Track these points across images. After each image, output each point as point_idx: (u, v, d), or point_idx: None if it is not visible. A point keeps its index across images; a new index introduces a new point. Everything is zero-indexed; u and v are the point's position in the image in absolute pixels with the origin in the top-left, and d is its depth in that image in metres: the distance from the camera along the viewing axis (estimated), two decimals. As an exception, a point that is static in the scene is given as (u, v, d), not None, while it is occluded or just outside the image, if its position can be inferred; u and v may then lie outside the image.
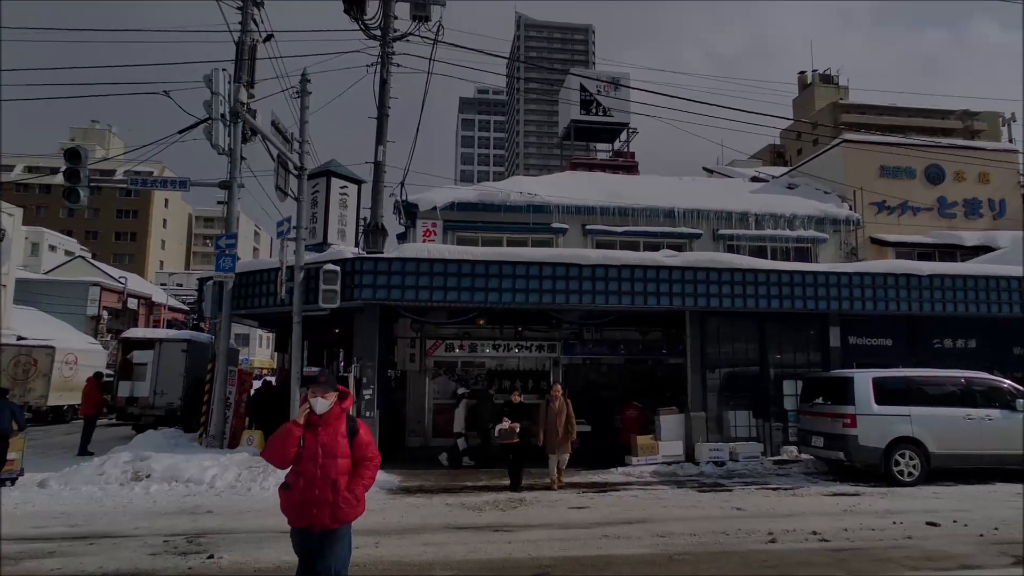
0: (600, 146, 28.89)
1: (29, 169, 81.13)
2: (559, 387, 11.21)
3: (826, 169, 21.03)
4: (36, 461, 12.57)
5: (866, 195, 19.25)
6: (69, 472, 10.70)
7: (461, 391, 14.06)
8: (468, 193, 18.22)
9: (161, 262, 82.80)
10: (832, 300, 13.33)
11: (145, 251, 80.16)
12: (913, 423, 10.74)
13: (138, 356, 19.10)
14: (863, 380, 11.02)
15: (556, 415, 10.70)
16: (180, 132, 14.48)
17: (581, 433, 14.81)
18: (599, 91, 25.55)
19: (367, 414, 12.32)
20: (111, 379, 19.81)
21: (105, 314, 43.78)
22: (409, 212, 17.23)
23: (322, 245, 14.12)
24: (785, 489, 10.52)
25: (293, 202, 12.88)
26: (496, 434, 10.92)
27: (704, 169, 29.90)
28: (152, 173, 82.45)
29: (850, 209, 19.33)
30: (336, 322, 15.85)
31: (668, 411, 13.38)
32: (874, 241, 18.85)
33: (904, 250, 18.00)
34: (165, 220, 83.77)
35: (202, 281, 15.19)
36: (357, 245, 14.40)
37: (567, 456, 10.97)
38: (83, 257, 52.63)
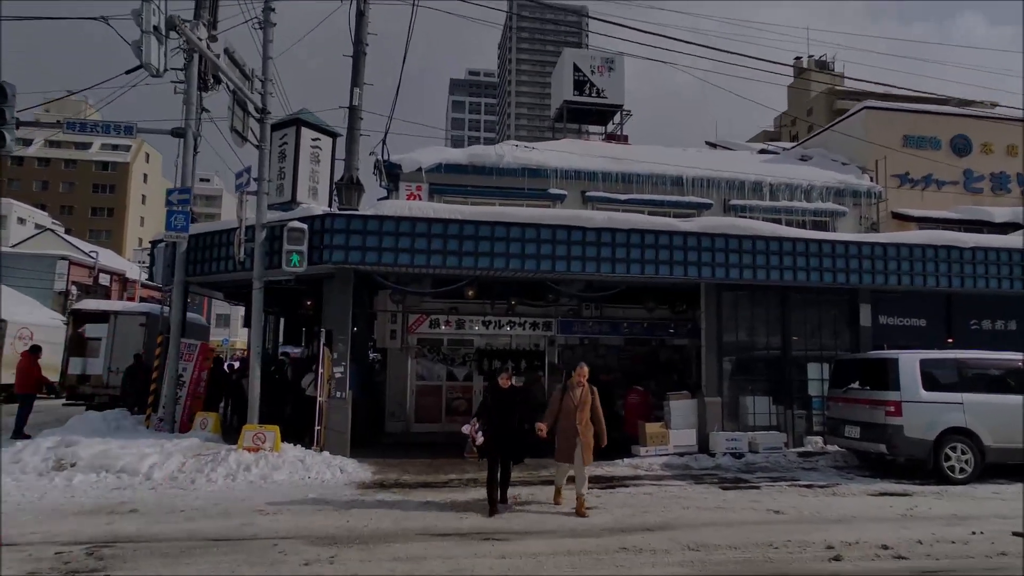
0: (593, 129, 27.55)
1: None
2: (584, 369, 7.86)
3: (843, 140, 19.53)
4: (-45, 445, 10.90)
5: (889, 166, 17.78)
6: (-20, 459, 9.02)
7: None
8: (457, 154, 16.53)
9: (140, 239, 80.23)
10: (864, 273, 11.86)
11: (122, 227, 77.51)
12: (966, 412, 9.33)
13: (91, 330, 17.33)
14: (909, 363, 9.58)
15: (577, 408, 7.60)
16: (128, 72, 12.67)
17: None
18: (593, 71, 24.03)
19: (338, 394, 10.72)
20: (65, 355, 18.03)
21: (74, 290, 41.60)
22: (391, 173, 15.53)
23: (290, 204, 12.42)
24: (820, 487, 9.08)
25: (255, 151, 11.14)
26: (471, 441, 7.97)
27: (707, 143, 28.32)
28: (130, 148, 79.57)
29: (871, 181, 17.86)
30: (312, 294, 14.20)
31: (679, 396, 11.91)
32: (896, 216, 17.43)
33: (928, 225, 16.55)
34: (144, 196, 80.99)
35: (154, 244, 13.45)
36: (331, 205, 12.70)
37: (587, 470, 7.71)
38: (52, 230, 50.20)
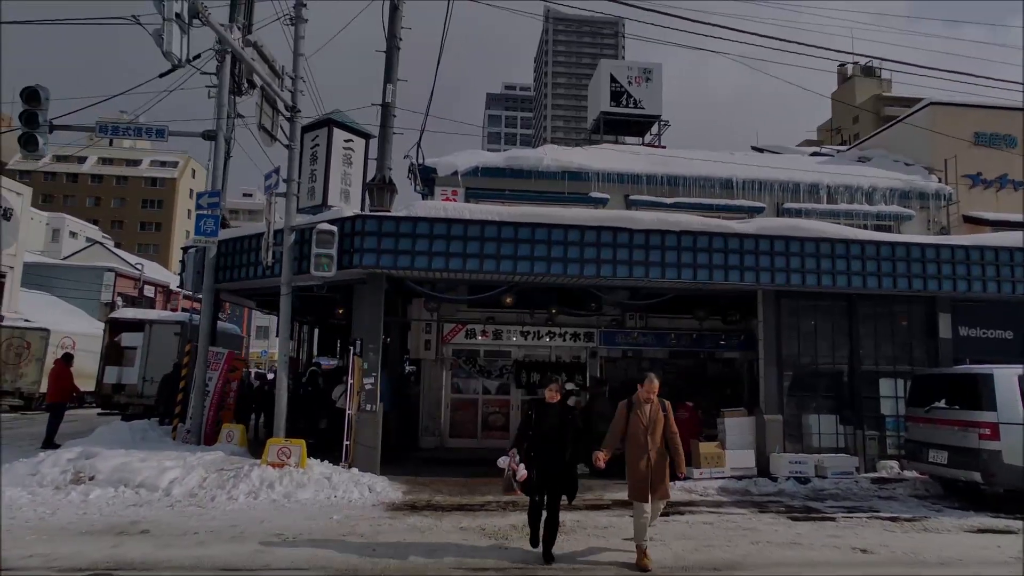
0: (630, 140, 26.93)
1: (57, 158, 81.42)
2: (655, 382, 6.20)
3: (905, 140, 18.27)
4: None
5: (959, 166, 16.46)
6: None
7: (570, 386, 11.76)
8: (495, 157, 15.92)
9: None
10: (944, 280, 10.72)
11: (169, 241, 79.63)
12: (1075, 436, 8.13)
13: (127, 339, 17.22)
14: (1007, 379, 8.44)
15: (648, 430, 5.99)
16: (161, 75, 12.46)
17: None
18: (630, 82, 23.45)
19: (368, 407, 10.10)
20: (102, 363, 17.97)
21: (120, 300, 42.52)
22: (426, 177, 15.00)
23: (321, 207, 11.92)
24: (906, 520, 7.99)
25: (284, 152, 10.70)
26: (509, 476, 6.33)
27: (753, 148, 27.18)
28: (177, 164, 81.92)
29: (939, 182, 16.56)
30: (344, 302, 13.70)
31: (734, 413, 10.92)
32: (968, 219, 16.08)
33: (1004, 229, 15.17)
34: (190, 211, 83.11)
35: (185, 251, 13.16)
36: (363, 208, 12.19)
37: (663, 504, 6.39)
38: (100, 243, 51.63)
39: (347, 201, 12.48)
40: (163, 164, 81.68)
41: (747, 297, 11.84)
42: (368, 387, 10.16)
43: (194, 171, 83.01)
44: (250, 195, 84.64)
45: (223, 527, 6.81)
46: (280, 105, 10.32)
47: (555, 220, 10.30)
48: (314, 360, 23.13)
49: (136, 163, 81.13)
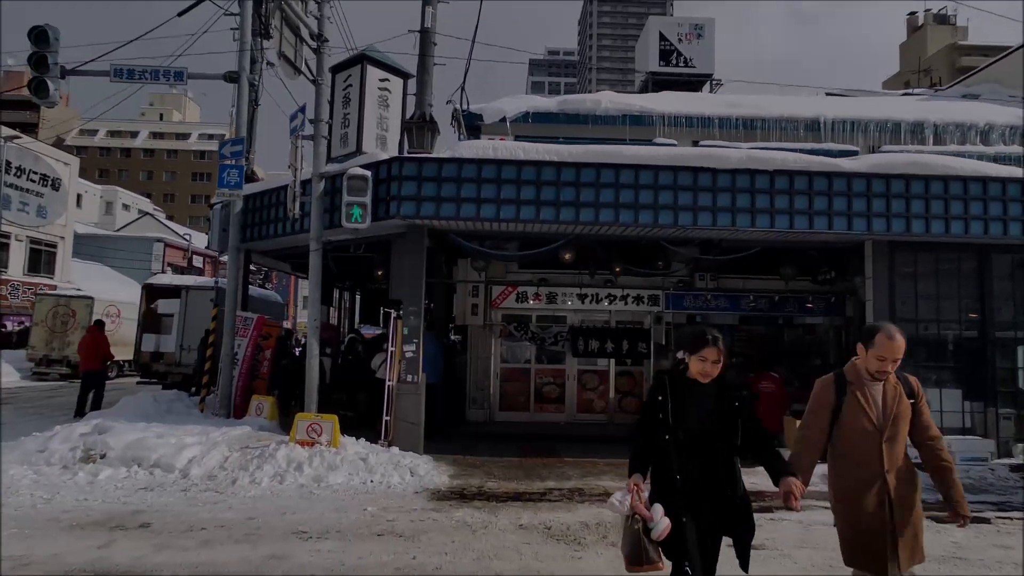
0: None
1: (111, 133, 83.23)
2: (895, 336, 3.16)
3: (1017, 73, 15.75)
4: (19, 425, 10.00)
5: (1094, 98, 13.99)
6: (9, 446, 7.81)
7: (680, 355, 10.13)
8: (547, 102, 14.31)
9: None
10: (1107, 226, 8.71)
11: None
12: None
13: (163, 306, 16.56)
14: None
15: (883, 430, 3.18)
16: (180, 14, 11.31)
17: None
18: (680, 39, 21.49)
19: (409, 378, 8.88)
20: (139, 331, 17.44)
21: (169, 270, 42.93)
22: (471, 124, 13.51)
23: (355, 155, 10.64)
24: (1084, 522, 6.31)
25: (311, 89, 9.40)
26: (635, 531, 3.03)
27: (827, 94, 24.63)
28: (224, 136, 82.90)
29: (1069, 118, 14.12)
30: (384, 262, 12.51)
31: (835, 386, 9.25)
32: (1104, 162, 13.64)
33: None
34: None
35: (211, 208, 12.15)
36: (401, 152, 10.86)
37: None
38: (151, 215, 52.28)
39: (384, 148, 11.13)
40: (210, 137, 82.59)
41: (847, 251, 10.07)
42: (409, 355, 8.93)
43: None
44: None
45: (238, 520, 5.69)
46: (305, 33, 8.99)
47: (624, 160, 8.72)
48: (356, 328, 22.27)
49: (185, 137, 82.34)
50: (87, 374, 12.64)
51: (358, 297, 21.94)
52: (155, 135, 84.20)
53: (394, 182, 8.68)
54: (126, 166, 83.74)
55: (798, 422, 7.73)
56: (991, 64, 17.88)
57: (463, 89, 13.12)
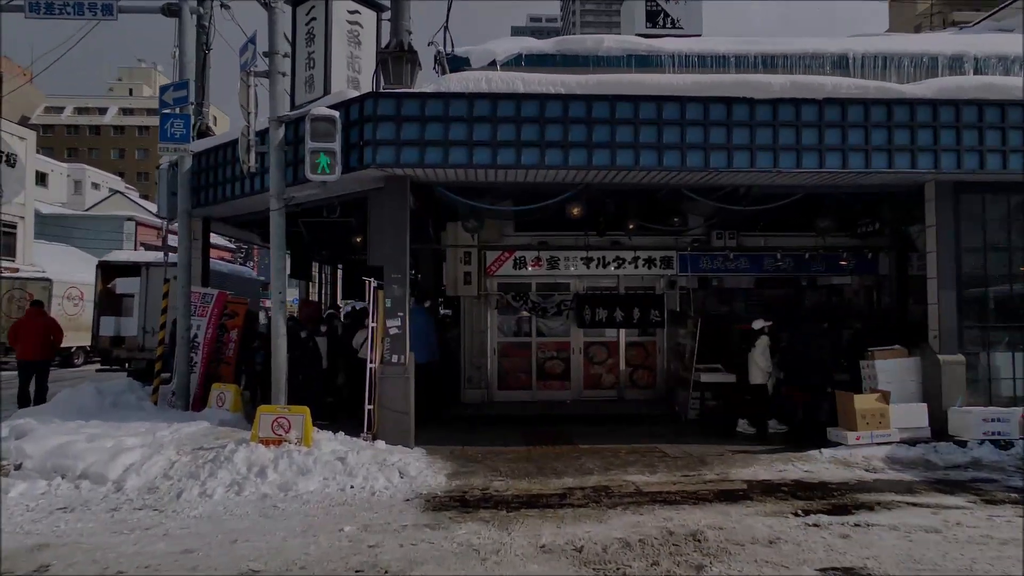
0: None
1: (78, 110, 79.91)
2: None
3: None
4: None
5: None
6: (-94, 456, 6.34)
7: (759, 325, 8.89)
8: (542, 44, 12.66)
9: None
10: None
11: (195, 191, 78.27)
12: None
13: (122, 285, 14.93)
14: None
15: None
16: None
17: (717, 385, 9.78)
18: None
19: (394, 359, 7.47)
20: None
21: (142, 250, 40.98)
22: (456, 69, 11.82)
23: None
24: None
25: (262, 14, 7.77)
26: None
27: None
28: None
29: (1120, 48, 12.74)
30: (364, 226, 11.00)
31: (889, 353, 8.01)
32: None
33: None
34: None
35: (158, 168, 10.54)
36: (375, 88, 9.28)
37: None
38: (122, 193, 49.99)
39: (357, 90, 9.55)
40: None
41: (897, 197, 8.74)
42: (394, 331, 7.51)
43: (215, 118, 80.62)
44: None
45: (169, 554, 4.32)
46: (251, -57, 7.35)
47: (644, 91, 7.25)
48: (345, 304, 20.76)
49: (157, 112, 79.17)
50: (27, 363, 11.08)
51: (340, 271, 20.44)
52: (125, 111, 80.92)
53: (368, 124, 7.17)
54: (96, 144, 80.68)
55: (856, 396, 6.40)
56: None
57: (446, 28, 11.44)
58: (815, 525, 4.96)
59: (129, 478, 5.87)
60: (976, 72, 12.30)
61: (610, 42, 12.01)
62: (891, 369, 7.88)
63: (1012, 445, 7.13)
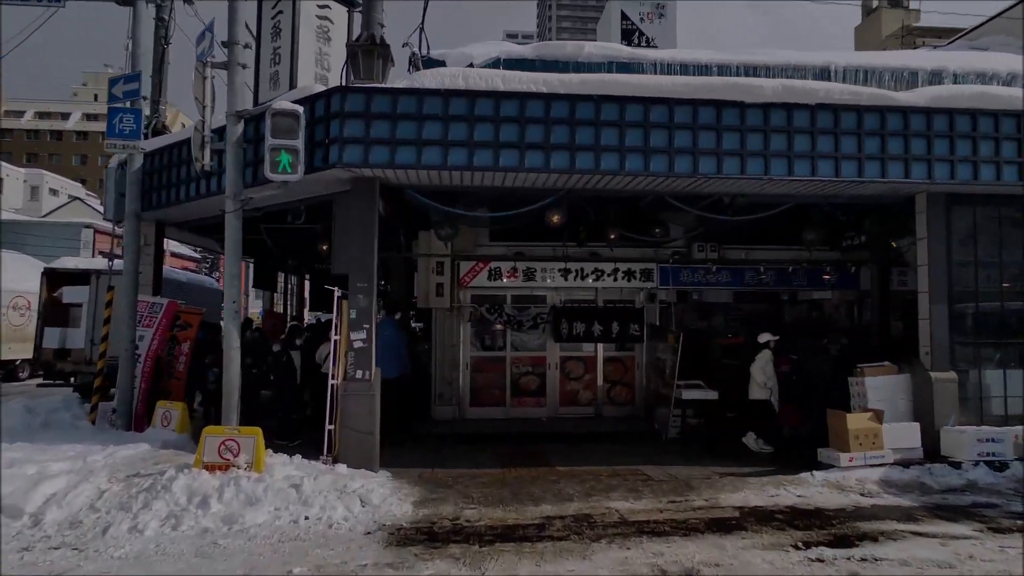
0: None
1: (40, 115, 77.46)
2: None
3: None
4: None
5: (1118, 47, 12.77)
6: None
7: (764, 339, 8.52)
8: (521, 49, 12.27)
9: (178, 211, 78.79)
10: None
11: (160, 199, 76.22)
12: None
13: (69, 294, 14.03)
14: None
15: None
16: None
17: (699, 402, 9.39)
18: (642, 19, 20.32)
19: (358, 374, 6.88)
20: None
21: (100, 258, 39.44)
22: (432, 71, 11.40)
23: (288, 97, 8.49)
24: None
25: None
26: None
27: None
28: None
29: (1091, 69, 12.88)
30: (329, 232, 10.39)
31: (879, 370, 7.69)
32: None
33: None
34: (180, 166, 79.47)
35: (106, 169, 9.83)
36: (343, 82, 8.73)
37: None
38: (80, 199, 48.22)
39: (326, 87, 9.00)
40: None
41: (884, 210, 8.50)
42: (358, 344, 6.92)
43: (183, 124, 78.90)
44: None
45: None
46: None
47: (631, 91, 6.87)
48: (310, 317, 19.97)
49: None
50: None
51: (308, 281, 19.69)
52: (89, 116, 78.71)
53: (335, 120, 6.63)
54: (57, 149, 78.29)
55: (849, 416, 6.02)
56: (990, 20, 16.68)
57: (422, 29, 10.99)
58: (819, 560, 4.52)
59: (49, 510, 5.16)
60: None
61: (591, 48, 11.65)
62: (882, 386, 7.56)
63: (1007, 466, 6.84)
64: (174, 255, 45.98)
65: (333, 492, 5.70)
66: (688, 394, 9.30)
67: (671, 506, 5.87)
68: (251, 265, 15.84)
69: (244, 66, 7.08)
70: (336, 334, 7.00)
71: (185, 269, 43.76)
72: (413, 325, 15.44)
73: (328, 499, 5.55)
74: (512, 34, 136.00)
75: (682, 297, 12.12)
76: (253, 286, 17.96)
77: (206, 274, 34.59)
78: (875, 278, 11.04)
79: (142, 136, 8.08)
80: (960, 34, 18.13)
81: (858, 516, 5.59)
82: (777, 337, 8.39)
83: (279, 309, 17.99)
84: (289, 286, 18.72)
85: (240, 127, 6.95)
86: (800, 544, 4.84)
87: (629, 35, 21.10)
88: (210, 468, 5.75)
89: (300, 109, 6.45)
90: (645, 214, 9.31)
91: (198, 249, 28.69)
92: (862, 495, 6.23)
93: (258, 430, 6.01)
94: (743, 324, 13.58)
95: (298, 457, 6.43)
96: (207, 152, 6.88)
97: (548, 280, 11.14)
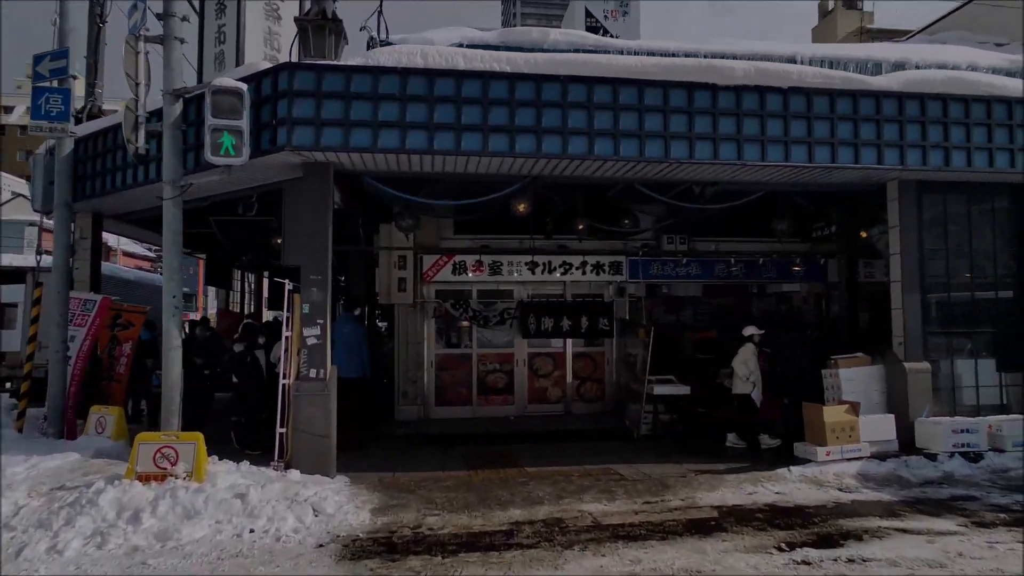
0: None
1: (-19, 108, 73.96)
2: None
3: (991, 16, 14.84)
4: None
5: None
6: None
7: (749, 332, 8.16)
8: (485, 35, 11.83)
9: (132, 209, 75.97)
10: None
11: (112, 197, 73.37)
12: None
13: (5, 294, 13.11)
14: None
15: None
16: None
17: (671, 398, 9.15)
18: (606, 16, 20.44)
19: (312, 373, 6.40)
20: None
21: (47, 257, 37.58)
22: (391, 56, 10.90)
23: (235, 79, 7.91)
24: None
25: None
26: None
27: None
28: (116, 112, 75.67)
29: (1047, 62, 13.10)
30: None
31: (852, 361, 7.55)
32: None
33: None
34: (134, 163, 76.64)
35: (31, 156, 9.10)
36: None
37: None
38: (24, 196, 45.94)
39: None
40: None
41: (854, 198, 8.37)
42: (312, 341, 6.44)
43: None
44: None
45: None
46: None
47: (599, 72, 6.54)
48: (250, 313, 19.17)
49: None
50: None
51: (265, 279, 18.90)
52: (35, 110, 75.10)
53: (282, 100, 6.13)
54: None
55: (825, 408, 5.80)
56: (947, 16, 16.95)
57: (380, 13, 10.50)
58: (805, 562, 4.26)
59: (-44, 531, 4.58)
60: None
61: (557, 35, 11.32)
62: (855, 378, 7.41)
63: (982, 457, 6.74)
64: (127, 255, 44.35)
65: (283, 501, 5.22)
66: (660, 389, 9.04)
67: (647, 507, 5.56)
68: (202, 261, 15.07)
69: (182, 40, 6.51)
70: (288, 330, 6.50)
71: (139, 268, 42.04)
72: (379, 324, 14.90)
73: (277, 509, 5.08)
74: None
75: (651, 291, 11.89)
76: (206, 283, 17.15)
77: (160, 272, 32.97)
78: (843, 269, 10.98)
79: (72, 119, 7.42)
80: (918, 30, 18.40)
81: (840, 513, 5.37)
82: (763, 331, 8.17)
83: (236, 308, 17.21)
84: (247, 284, 17.94)
85: (179, 107, 6.40)
86: (784, 545, 4.58)
87: (594, 31, 21.12)
88: (144, 479, 5.21)
89: (244, 87, 5.94)
90: (614, 204, 9.01)
91: (153, 248, 27.40)
92: (841, 490, 6.03)
93: (199, 435, 5.49)
94: (712, 318, 13.51)
95: (246, 464, 5.94)
96: (141, 134, 6.31)
97: (515, 274, 10.77)
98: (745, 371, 7.84)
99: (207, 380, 9.08)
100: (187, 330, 9.77)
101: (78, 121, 8.60)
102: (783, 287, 12.37)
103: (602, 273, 11.01)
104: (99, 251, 9.44)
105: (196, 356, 8.75)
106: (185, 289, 19.82)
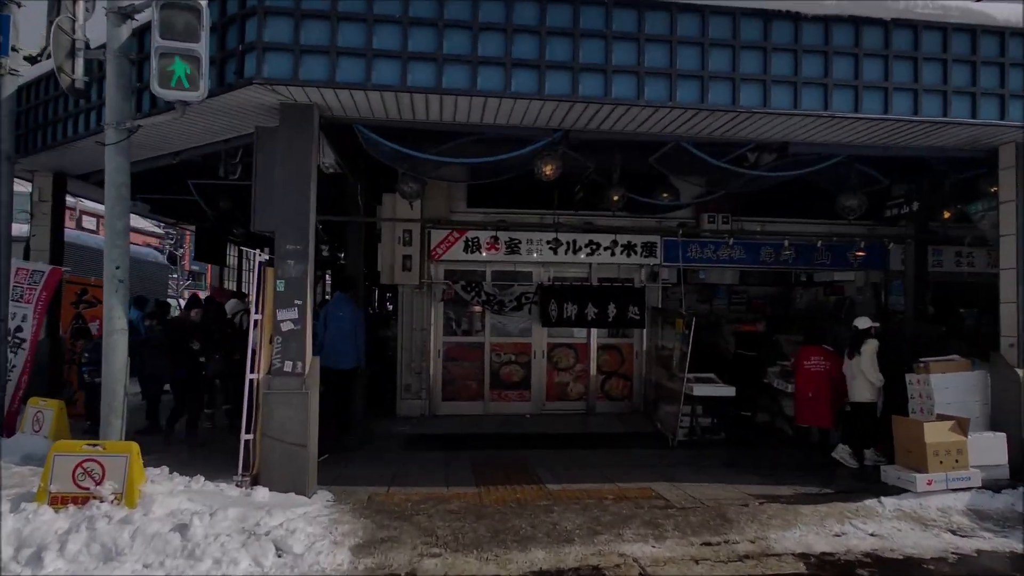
0: None
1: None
2: None
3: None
4: None
5: None
6: None
7: (865, 324, 6.71)
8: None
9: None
10: None
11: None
12: None
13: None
14: None
15: None
16: None
17: (712, 400, 7.86)
18: None
19: (288, 366, 5.15)
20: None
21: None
22: None
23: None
24: None
25: None
26: None
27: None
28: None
29: None
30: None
31: (948, 365, 6.18)
32: None
33: None
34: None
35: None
36: None
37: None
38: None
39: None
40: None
41: (945, 167, 6.97)
42: (288, 327, 5.18)
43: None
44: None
45: None
46: None
47: (652, -6, 5.15)
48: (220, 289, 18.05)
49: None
50: None
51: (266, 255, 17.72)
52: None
53: (251, 19, 4.82)
54: None
55: (927, 425, 4.46)
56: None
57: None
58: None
59: None
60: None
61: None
62: (951, 386, 6.06)
63: (1123, 491, 5.38)
64: (135, 230, 43.04)
65: (237, 536, 4.00)
66: (700, 390, 7.74)
67: (708, 551, 4.29)
68: (191, 234, 13.89)
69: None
70: (258, 312, 5.25)
71: (148, 246, 40.69)
72: (388, 307, 13.69)
73: (227, 548, 3.85)
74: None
75: (683, 276, 10.55)
76: (195, 258, 15.97)
77: (171, 251, 31.44)
78: (911, 257, 9.55)
79: (10, 51, 6.18)
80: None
81: (968, 571, 4.06)
82: (877, 324, 6.79)
83: (232, 287, 16.02)
84: (244, 261, 16.73)
85: (126, 31, 5.11)
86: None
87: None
88: (60, 501, 4.01)
89: (203, 2, 4.64)
90: (652, 173, 7.62)
91: (162, 225, 26.06)
92: (954, 533, 4.72)
93: (133, 446, 4.27)
94: (748, 308, 12.16)
95: (200, 479, 4.73)
96: (79, 63, 5.05)
97: (535, 254, 9.48)
98: (876, 374, 6.41)
99: (203, 368, 7.77)
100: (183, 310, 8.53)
101: (34, 62, 7.42)
102: (834, 275, 11.00)
103: (633, 255, 9.68)
104: (61, 216, 8.24)
105: (190, 340, 7.46)
106: (160, 258, 18.58)
